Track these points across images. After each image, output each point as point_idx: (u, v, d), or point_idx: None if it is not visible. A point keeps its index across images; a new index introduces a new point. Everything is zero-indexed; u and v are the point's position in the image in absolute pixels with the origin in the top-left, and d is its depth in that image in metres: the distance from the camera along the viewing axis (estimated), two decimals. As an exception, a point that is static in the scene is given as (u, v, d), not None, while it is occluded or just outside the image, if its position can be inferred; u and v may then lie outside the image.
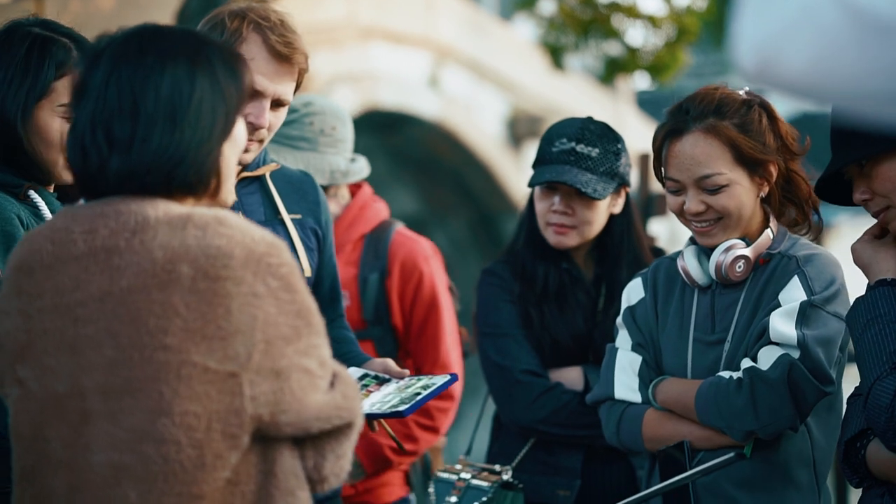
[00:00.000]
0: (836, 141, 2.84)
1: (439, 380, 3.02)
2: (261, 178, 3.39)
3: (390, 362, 3.17)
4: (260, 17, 3.24)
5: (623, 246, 3.78)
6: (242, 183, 3.35)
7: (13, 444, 2.31)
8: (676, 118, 3.18)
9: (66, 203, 3.06)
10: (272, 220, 3.34)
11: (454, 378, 3.04)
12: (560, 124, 3.79)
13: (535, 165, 3.75)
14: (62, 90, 3.01)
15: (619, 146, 3.74)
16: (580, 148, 3.67)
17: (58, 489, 2.23)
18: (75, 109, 2.28)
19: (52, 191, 3.08)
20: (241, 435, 2.20)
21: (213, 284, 2.18)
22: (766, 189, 3.20)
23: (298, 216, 3.42)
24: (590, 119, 3.78)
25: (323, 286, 3.50)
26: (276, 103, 3.25)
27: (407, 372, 3.11)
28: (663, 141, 3.20)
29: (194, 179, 2.27)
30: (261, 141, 3.27)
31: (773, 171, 3.19)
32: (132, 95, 2.23)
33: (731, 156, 3.14)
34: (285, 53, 3.23)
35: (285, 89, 3.26)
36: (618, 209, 3.77)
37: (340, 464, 2.32)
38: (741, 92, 3.21)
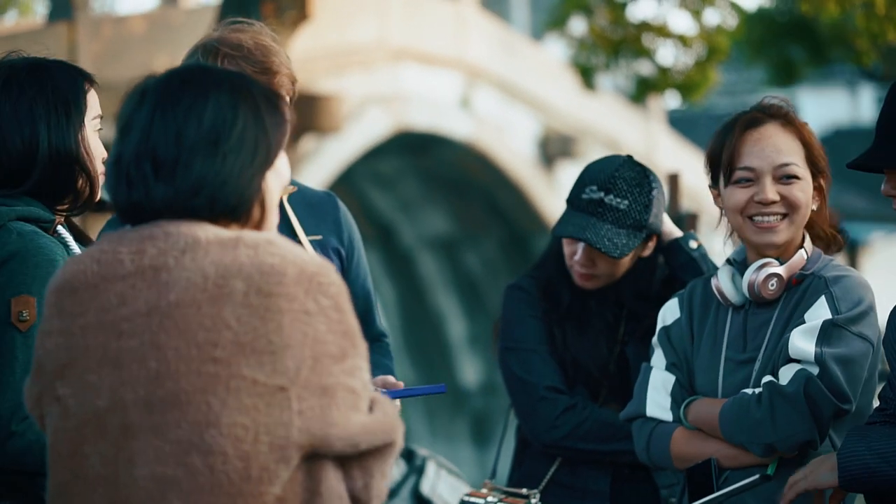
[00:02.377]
0: (885, 136, 2.86)
1: (427, 387, 3.10)
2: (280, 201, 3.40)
3: (390, 378, 3.19)
4: (232, 47, 3.23)
5: (645, 273, 3.77)
6: None
7: (49, 462, 2.32)
8: (750, 115, 3.24)
9: (79, 239, 3.11)
10: None
11: (443, 388, 3.06)
12: (595, 167, 3.70)
13: (567, 208, 3.71)
14: (93, 104, 3.09)
15: (652, 196, 3.65)
16: (609, 199, 3.59)
17: None
18: (119, 144, 2.31)
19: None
20: (288, 447, 2.21)
21: (266, 300, 2.20)
22: (817, 202, 3.22)
23: (319, 237, 3.43)
24: (626, 164, 3.67)
25: (357, 305, 3.48)
26: None
27: (401, 384, 3.14)
28: (739, 132, 3.21)
29: (236, 203, 2.30)
30: None
31: (825, 186, 3.23)
32: (176, 125, 2.27)
33: (804, 154, 3.20)
34: (264, 81, 3.18)
35: None
36: (647, 253, 3.75)
37: (385, 483, 2.35)
38: None
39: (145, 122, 2.28)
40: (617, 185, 3.61)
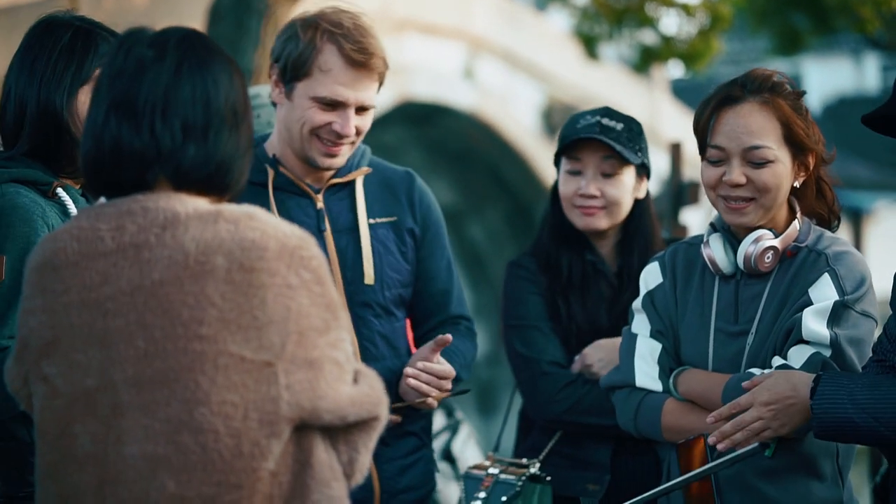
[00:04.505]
0: None
1: None
2: (351, 184, 3.43)
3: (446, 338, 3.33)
4: (332, 24, 3.31)
5: (640, 230, 3.79)
6: (332, 189, 3.42)
7: (37, 442, 2.32)
8: (731, 89, 3.17)
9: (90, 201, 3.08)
10: (356, 227, 3.40)
11: None
12: (583, 111, 3.83)
13: (561, 144, 3.78)
14: None
15: (641, 129, 3.77)
16: (605, 121, 3.70)
17: (86, 484, 2.25)
18: (124, 88, 2.30)
19: (78, 187, 3.09)
20: (277, 422, 2.23)
21: (249, 275, 2.22)
22: (802, 178, 3.19)
23: (394, 219, 3.47)
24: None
25: (432, 286, 3.56)
26: (361, 108, 3.33)
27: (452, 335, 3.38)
28: (715, 108, 3.17)
29: (238, 178, 2.37)
30: (351, 143, 3.35)
31: (812, 161, 3.18)
32: (206, 90, 2.30)
33: (781, 133, 3.13)
34: (361, 61, 3.32)
35: (367, 94, 3.35)
36: (641, 194, 3.78)
37: (368, 457, 2.39)
38: None
39: (170, 77, 2.29)
40: (610, 113, 3.74)
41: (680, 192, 7.06)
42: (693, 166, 3.44)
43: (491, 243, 20.92)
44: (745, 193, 3.15)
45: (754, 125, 3.12)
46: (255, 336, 2.22)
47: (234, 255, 2.23)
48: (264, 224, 2.27)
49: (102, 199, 2.35)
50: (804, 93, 3.24)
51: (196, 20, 8.76)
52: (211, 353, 2.21)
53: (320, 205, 3.40)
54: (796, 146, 3.15)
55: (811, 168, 3.20)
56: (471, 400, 21.98)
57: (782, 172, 3.14)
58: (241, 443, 2.22)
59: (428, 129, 19.40)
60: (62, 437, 2.27)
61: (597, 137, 3.66)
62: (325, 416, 2.28)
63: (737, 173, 3.14)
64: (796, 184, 3.19)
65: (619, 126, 3.71)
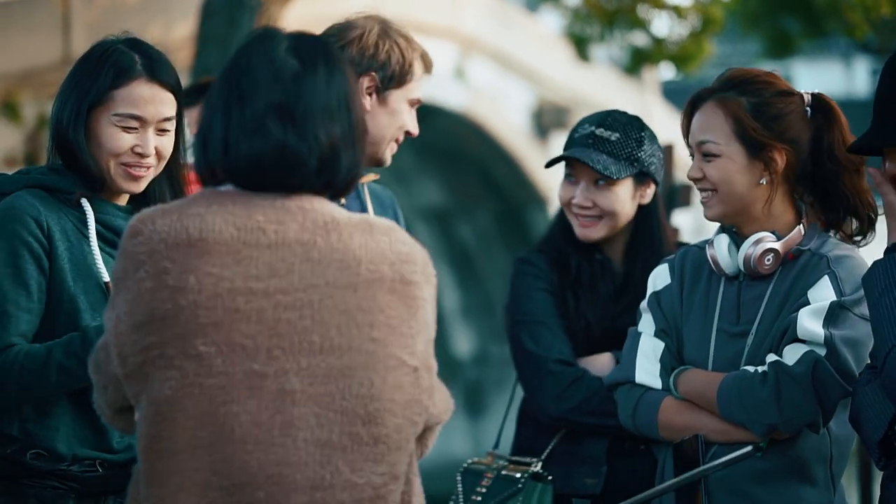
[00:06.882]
0: (882, 116, 2.85)
1: None
2: (359, 188, 3.62)
3: None
4: (404, 35, 3.64)
5: (654, 237, 3.78)
6: None
7: (164, 414, 2.31)
8: (702, 91, 3.25)
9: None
10: None
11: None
12: (589, 116, 3.81)
13: (557, 156, 3.78)
14: (120, 100, 3.02)
15: (644, 135, 3.72)
16: (599, 132, 3.67)
17: (249, 464, 2.31)
18: (295, 103, 2.39)
19: (124, 202, 3.12)
20: (420, 423, 2.44)
21: (406, 287, 2.41)
22: (767, 176, 3.17)
23: None
24: (618, 110, 3.79)
25: None
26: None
27: None
28: (688, 109, 3.26)
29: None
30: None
31: (780, 160, 3.16)
32: (349, 102, 2.45)
33: (730, 129, 3.15)
34: (431, 65, 3.69)
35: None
36: (646, 200, 3.76)
37: None
38: (805, 92, 3.23)
39: (323, 90, 2.42)
40: (607, 121, 3.71)
41: (671, 194, 7.07)
42: (685, 169, 3.44)
43: (480, 243, 20.94)
44: (705, 186, 3.21)
45: (706, 122, 3.19)
46: (411, 343, 2.40)
47: (396, 267, 2.40)
48: (405, 237, 2.46)
49: (229, 186, 2.40)
50: (805, 97, 3.22)
51: (188, 17, 8.76)
52: (381, 355, 2.37)
53: (343, 201, 3.49)
54: (749, 143, 3.15)
55: (780, 165, 3.17)
56: (458, 399, 22.01)
57: (730, 168, 3.16)
58: (401, 438, 2.39)
59: (418, 129, 19.39)
60: (214, 414, 2.32)
61: (580, 159, 3.66)
62: (432, 419, 2.48)
63: (694, 169, 3.21)
64: (762, 181, 3.17)
65: (615, 136, 3.68)
